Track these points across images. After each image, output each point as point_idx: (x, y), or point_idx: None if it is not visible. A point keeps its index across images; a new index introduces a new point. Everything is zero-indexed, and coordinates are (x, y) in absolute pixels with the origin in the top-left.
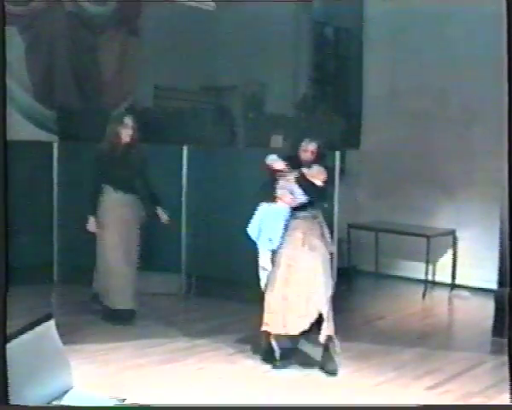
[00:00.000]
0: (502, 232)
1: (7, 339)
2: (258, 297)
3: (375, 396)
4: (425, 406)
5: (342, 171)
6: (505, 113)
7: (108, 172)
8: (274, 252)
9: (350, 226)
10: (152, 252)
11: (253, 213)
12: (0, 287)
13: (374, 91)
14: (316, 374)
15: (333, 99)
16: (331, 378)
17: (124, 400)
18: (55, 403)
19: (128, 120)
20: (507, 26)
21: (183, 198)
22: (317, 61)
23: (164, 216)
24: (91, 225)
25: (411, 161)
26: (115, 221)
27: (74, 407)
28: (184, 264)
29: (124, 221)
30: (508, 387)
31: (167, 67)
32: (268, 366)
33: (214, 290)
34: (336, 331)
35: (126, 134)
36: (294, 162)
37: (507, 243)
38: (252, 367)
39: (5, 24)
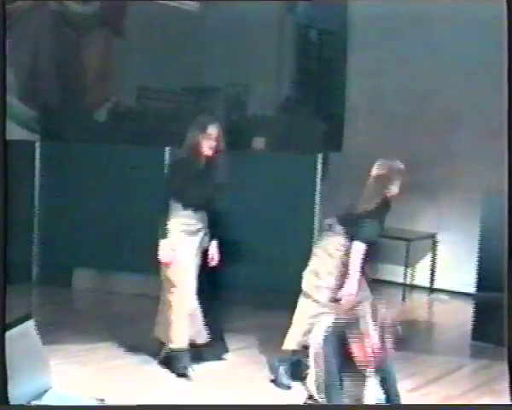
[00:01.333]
0: (481, 237)
1: None
2: (241, 297)
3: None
4: (425, 406)
5: (324, 173)
6: (505, 112)
7: (181, 188)
8: None
9: None
10: (130, 253)
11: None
12: None
13: (357, 94)
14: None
15: (316, 102)
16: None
17: (102, 400)
18: (34, 403)
19: (212, 130)
20: (507, 26)
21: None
22: (300, 64)
23: (214, 257)
24: (166, 253)
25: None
26: (188, 251)
27: (74, 406)
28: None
29: (195, 249)
30: (487, 391)
31: (151, 67)
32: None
33: None
34: None
35: (208, 146)
36: None
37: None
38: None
39: (5, 24)
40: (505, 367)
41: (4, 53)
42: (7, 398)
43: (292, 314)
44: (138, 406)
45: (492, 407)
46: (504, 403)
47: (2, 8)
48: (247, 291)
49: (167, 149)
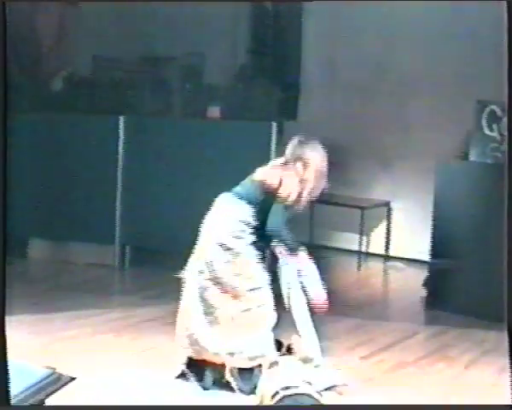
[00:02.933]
0: (436, 204)
1: None
2: None
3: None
4: (425, 406)
5: (279, 142)
6: (506, 112)
7: None
8: None
9: None
10: (85, 223)
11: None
12: None
13: (312, 63)
14: None
15: (271, 70)
16: None
17: (54, 369)
18: None
19: None
20: (507, 26)
21: (119, 168)
22: (255, 33)
23: None
24: None
25: (348, 132)
26: None
27: (73, 406)
28: (119, 235)
29: None
30: (441, 357)
31: (106, 37)
32: None
33: (149, 261)
34: None
35: None
36: None
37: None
38: None
39: (5, 24)
40: (459, 333)
41: (5, 53)
42: (8, 398)
43: None
44: (138, 406)
45: (492, 407)
46: (504, 403)
47: (2, 8)
48: None
49: (122, 117)
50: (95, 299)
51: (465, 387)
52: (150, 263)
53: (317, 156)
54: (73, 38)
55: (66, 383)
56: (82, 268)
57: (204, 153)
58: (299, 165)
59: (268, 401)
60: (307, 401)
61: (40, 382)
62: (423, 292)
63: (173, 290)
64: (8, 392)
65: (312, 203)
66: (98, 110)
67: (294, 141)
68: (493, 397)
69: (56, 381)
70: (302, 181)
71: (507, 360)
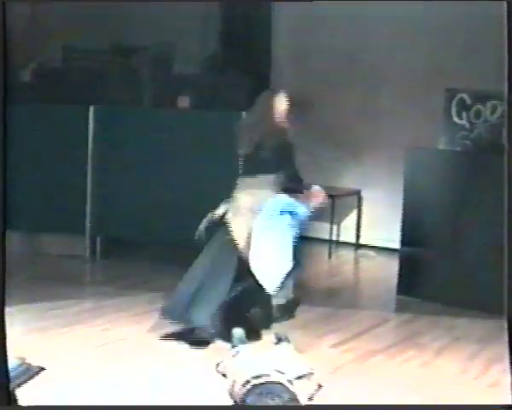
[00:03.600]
0: (405, 193)
1: None
2: (165, 258)
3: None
4: (425, 406)
5: None
6: (505, 111)
7: None
8: None
9: None
10: (56, 214)
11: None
12: None
13: (283, 51)
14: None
15: (241, 60)
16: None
17: (23, 359)
18: None
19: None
20: (507, 26)
21: (89, 159)
22: (226, 22)
23: None
24: None
25: (319, 121)
26: None
27: (73, 406)
28: (89, 226)
29: None
30: (411, 345)
31: (76, 27)
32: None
33: (120, 252)
34: None
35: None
36: None
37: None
38: (157, 328)
39: (5, 24)
40: (429, 321)
41: (5, 53)
42: (8, 398)
43: None
44: (138, 406)
45: (492, 408)
46: (504, 403)
47: (2, 8)
48: (174, 250)
49: (92, 107)
50: (67, 290)
51: (436, 374)
52: (121, 254)
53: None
54: (43, 28)
55: (35, 374)
56: (54, 259)
57: (174, 142)
58: None
59: (239, 389)
60: (278, 390)
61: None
62: (394, 280)
63: (145, 281)
64: (8, 392)
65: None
66: (68, 101)
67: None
68: (463, 384)
69: (25, 372)
70: None
71: (477, 347)
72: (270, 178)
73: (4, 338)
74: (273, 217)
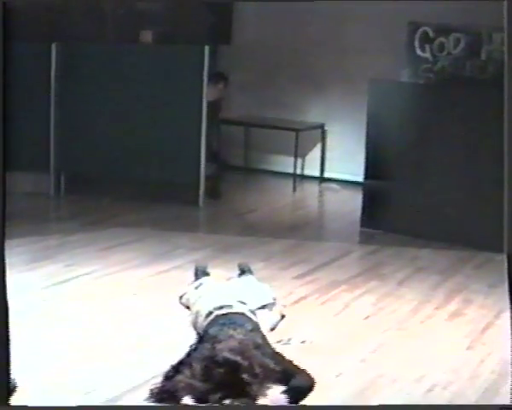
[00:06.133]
0: (368, 126)
1: None
2: (130, 194)
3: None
4: (425, 406)
5: (213, 65)
6: (505, 111)
7: None
8: None
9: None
10: (19, 152)
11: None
12: None
13: None
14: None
15: None
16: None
17: None
18: None
19: None
20: (507, 25)
21: (52, 95)
22: None
23: None
24: None
25: (282, 55)
26: None
27: (74, 407)
28: (53, 162)
29: None
30: (374, 275)
31: None
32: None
33: (85, 188)
34: (204, 224)
35: None
36: None
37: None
38: (123, 261)
39: (5, 24)
40: (392, 252)
41: (4, 53)
42: (8, 398)
43: (183, 207)
44: (138, 406)
45: (493, 408)
46: (505, 403)
47: (3, 8)
48: (139, 185)
49: (54, 44)
50: (32, 226)
51: (398, 303)
52: (85, 190)
53: None
54: None
55: None
56: (18, 197)
57: (137, 77)
58: None
59: (202, 320)
60: (241, 320)
61: None
62: (358, 212)
63: (108, 217)
64: (8, 392)
65: (247, 127)
66: (30, 37)
67: None
68: (424, 313)
69: None
70: None
71: (439, 277)
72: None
73: (8, 344)
74: None
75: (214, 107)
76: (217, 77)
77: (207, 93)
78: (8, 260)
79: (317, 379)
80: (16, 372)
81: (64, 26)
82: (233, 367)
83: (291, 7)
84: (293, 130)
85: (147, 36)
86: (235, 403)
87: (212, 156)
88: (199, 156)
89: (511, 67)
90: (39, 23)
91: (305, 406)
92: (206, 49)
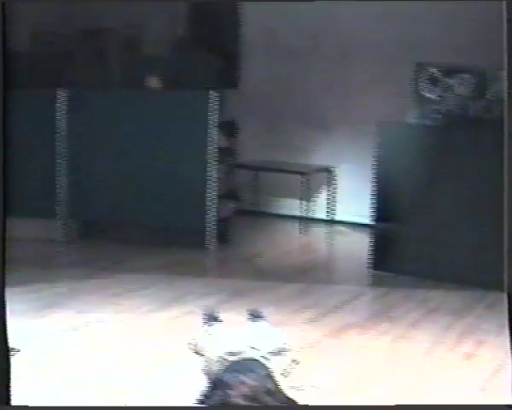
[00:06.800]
0: (377, 168)
1: None
2: (138, 239)
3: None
4: (425, 406)
5: (221, 110)
6: (505, 111)
7: None
8: None
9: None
10: (28, 198)
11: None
12: None
13: (251, 31)
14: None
15: (210, 40)
16: None
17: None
18: None
19: None
20: (507, 26)
21: (59, 143)
22: (193, 2)
23: None
24: None
25: (288, 99)
26: None
27: (73, 407)
28: (62, 209)
29: None
30: (384, 318)
31: (43, 11)
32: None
33: (94, 235)
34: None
35: None
36: None
37: None
38: (134, 307)
39: (5, 24)
40: (402, 294)
41: (4, 52)
42: (8, 398)
43: (191, 252)
44: (138, 406)
45: (493, 407)
46: (505, 404)
47: (2, 8)
48: (147, 231)
49: (61, 90)
50: (42, 273)
51: (410, 346)
52: (95, 236)
53: None
54: (9, 11)
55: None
56: (27, 244)
57: (145, 123)
58: None
59: (214, 366)
60: (253, 366)
61: None
62: (367, 255)
63: (118, 263)
64: (8, 392)
65: (256, 171)
66: (36, 84)
67: None
68: (437, 355)
69: None
70: None
71: (451, 318)
72: None
73: (6, 338)
74: None
75: (228, 152)
76: (228, 126)
77: (220, 140)
78: (18, 307)
79: None
80: None
81: (69, 71)
82: None
83: (296, 50)
84: (299, 173)
85: (153, 82)
86: None
87: (231, 196)
88: (204, 201)
89: (510, 70)
90: (44, 69)
91: (305, 406)
92: (212, 94)
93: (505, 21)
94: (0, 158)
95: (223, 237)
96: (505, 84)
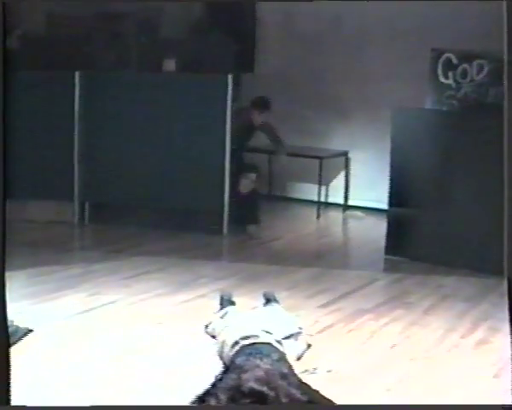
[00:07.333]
0: (392, 154)
1: None
2: (152, 222)
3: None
4: (425, 406)
5: (237, 94)
6: (505, 111)
7: None
8: None
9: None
10: (43, 180)
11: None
12: None
13: (268, 15)
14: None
15: (227, 23)
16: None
17: (11, 321)
18: None
19: None
20: (507, 25)
21: (76, 124)
22: None
23: None
24: None
25: (305, 84)
26: None
27: (75, 407)
28: (77, 191)
29: None
30: (399, 304)
31: None
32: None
33: (108, 217)
34: (229, 252)
35: None
36: None
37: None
38: (147, 290)
39: (5, 24)
40: (417, 281)
41: (4, 53)
42: (8, 398)
43: (206, 235)
44: (138, 406)
45: (493, 407)
46: (506, 404)
47: (2, 8)
48: (163, 214)
49: (77, 73)
50: (55, 255)
51: (424, 332)
52: (109, 219)
53: None
54: None
55: (23, 336)
56: (42, 226)
57: (161, 106)
58: None
59: (228, 350)
60: (267, 350)
61: None
62: (382, 240)
63: (131, 246)
64: (8, 391)
65: (271, 155)
66: (54, 67)
67: None
68: (450, 342)
69: (13, 333)
70: None
71: (464, 305)
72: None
73: (8, 347)
74: None
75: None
76: (261, 102)
77: (253, 118)
78: (31, 289)
79: None
80: (39, 400)
81: (87, 54)
82: (259, 398)
83: (313, 35)
84: (316, 158)
85: (170, 64)
86: None
87: (251, 167)
88: (223, 183)
89: (511, 66)
90: (63, 52)
91: (305, 406)
92: (230, 78)
93: (505, 21)
94: (0, 143)
95: (253, 218)
96: (505, 83)
